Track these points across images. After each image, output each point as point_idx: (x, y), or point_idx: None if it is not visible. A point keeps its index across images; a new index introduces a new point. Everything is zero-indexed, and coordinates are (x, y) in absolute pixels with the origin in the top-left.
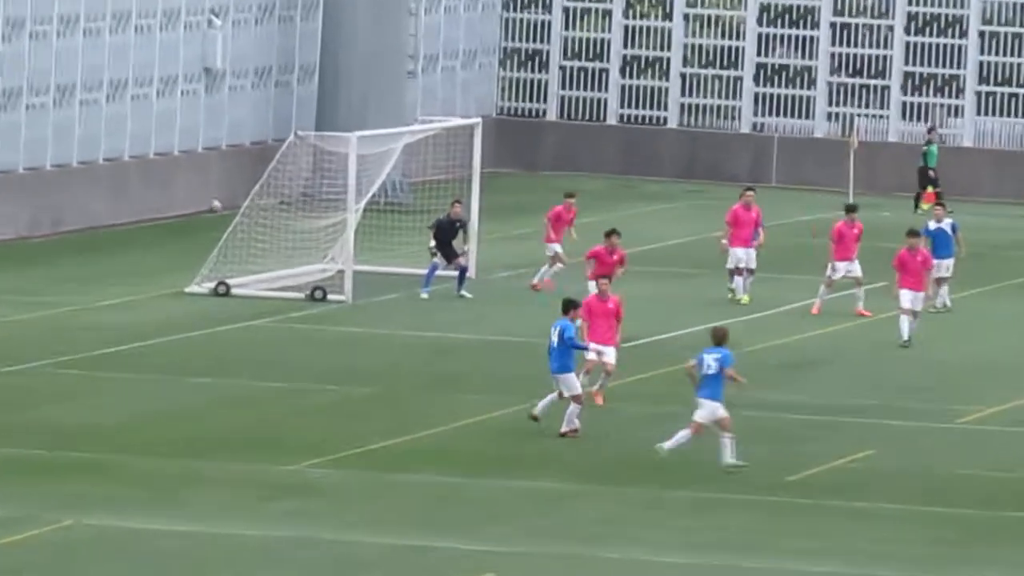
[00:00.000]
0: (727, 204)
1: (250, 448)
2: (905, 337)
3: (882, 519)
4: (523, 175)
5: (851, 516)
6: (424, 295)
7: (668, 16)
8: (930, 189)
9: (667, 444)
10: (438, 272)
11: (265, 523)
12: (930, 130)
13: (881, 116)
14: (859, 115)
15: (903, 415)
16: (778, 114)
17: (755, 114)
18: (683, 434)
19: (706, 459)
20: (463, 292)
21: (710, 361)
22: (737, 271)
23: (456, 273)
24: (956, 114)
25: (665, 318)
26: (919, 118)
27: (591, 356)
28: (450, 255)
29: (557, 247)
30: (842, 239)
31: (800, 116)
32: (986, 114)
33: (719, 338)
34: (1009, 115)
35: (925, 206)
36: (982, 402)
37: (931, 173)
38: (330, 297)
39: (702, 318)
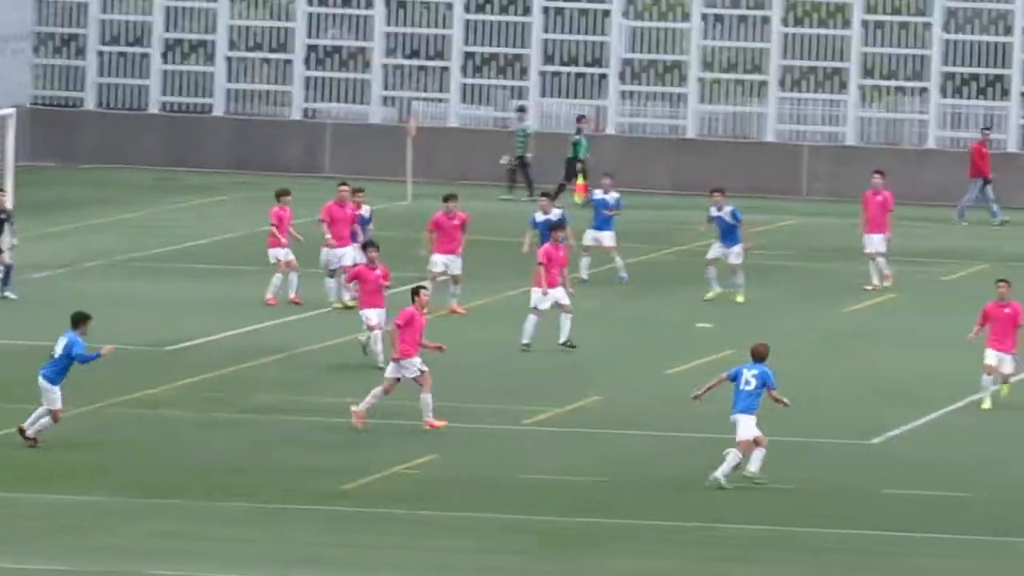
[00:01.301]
0: None
1: None
2: (526, 340)
3: (443, 527)
4: (61, 169)
5: (412, 524)
6: None
7: None
8: (580, 180)
9: (718, 473)
10: None
11: None
12: (579, 119)
13: (440, 100)
14: (417, 99)
15: (468, 418)
16: (331, 99)
17: (307, 100)
18: (733, 455)
19: (263, 466)
20: (7, 293)
21: (748, 377)
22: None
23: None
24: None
25: (215, 318)
26: (484, 102)
27: None
28: None
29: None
30: (442, 230)
31: (355, 101)
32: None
33: (761, 355)
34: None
35: (578, 199)
36: (551, 403)
37: (579, 164)
38: None
39: (255, 318)
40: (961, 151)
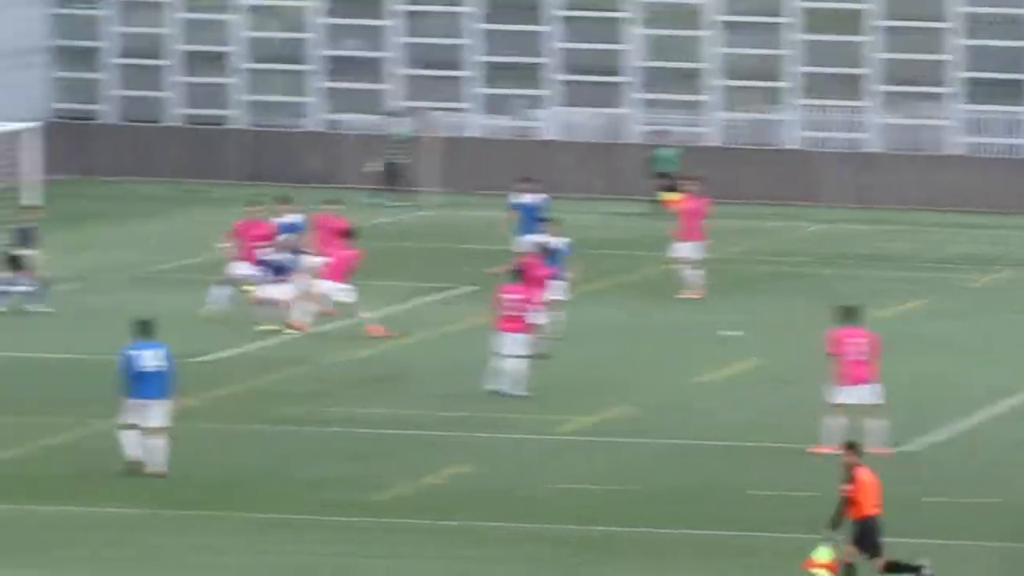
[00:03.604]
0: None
1: None
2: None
3: (476, 538)
4: (80, 181)
5: (439, 535)
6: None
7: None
8: (663, 195)
9: None
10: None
11: None
12: (659, 133)
13: (459, 110)
14: (436, 109)
15: (498, 427)
16: (348, 110)
17: (324, 111)
18: None
19: (291, 478)
20: (37, 306)
21: None
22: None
23: (28, 287)
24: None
25: (239, 330)
26: (501, 111)
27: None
28: (19, 265)
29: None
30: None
31: (372, 112)
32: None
33: None
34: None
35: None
36: (577, 411)
37: (662, 179)
38: None
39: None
40: (983, 157)
